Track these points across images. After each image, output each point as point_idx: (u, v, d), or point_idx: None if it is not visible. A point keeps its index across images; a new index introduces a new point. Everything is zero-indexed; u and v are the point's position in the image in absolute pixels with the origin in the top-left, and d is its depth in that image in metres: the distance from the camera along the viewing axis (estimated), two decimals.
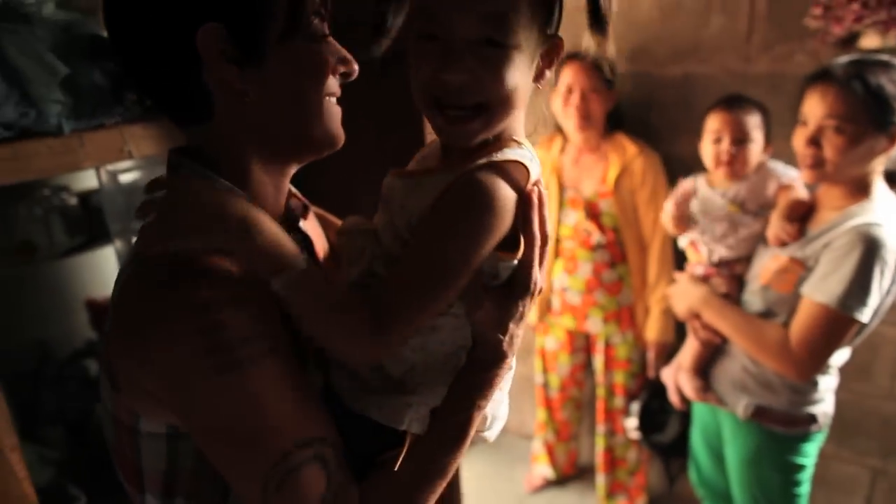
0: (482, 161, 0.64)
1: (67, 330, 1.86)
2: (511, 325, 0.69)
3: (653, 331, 2.15)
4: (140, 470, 0.68)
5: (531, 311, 0.73)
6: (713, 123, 1.64)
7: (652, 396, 2.18)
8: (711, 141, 1.64)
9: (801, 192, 1.51)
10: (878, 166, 1.37)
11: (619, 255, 2.15)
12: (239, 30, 0.64)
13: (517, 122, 0.70)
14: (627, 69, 2.09)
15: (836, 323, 1.34)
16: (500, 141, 0.67)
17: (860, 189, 1.39)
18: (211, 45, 0.63)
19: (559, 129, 2.17)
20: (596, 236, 2.11)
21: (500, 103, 0.64)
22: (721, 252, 1.63)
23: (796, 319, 1.40)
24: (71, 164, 1.24)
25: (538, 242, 0.68)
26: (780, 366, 1.43)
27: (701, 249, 1.68)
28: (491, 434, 0.80)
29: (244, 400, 0.59)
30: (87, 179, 1.76)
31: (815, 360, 1.39)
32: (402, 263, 0.64)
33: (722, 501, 1.79)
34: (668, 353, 2.16)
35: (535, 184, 0.67)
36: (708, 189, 1.68)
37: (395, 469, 0.67)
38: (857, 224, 1.33)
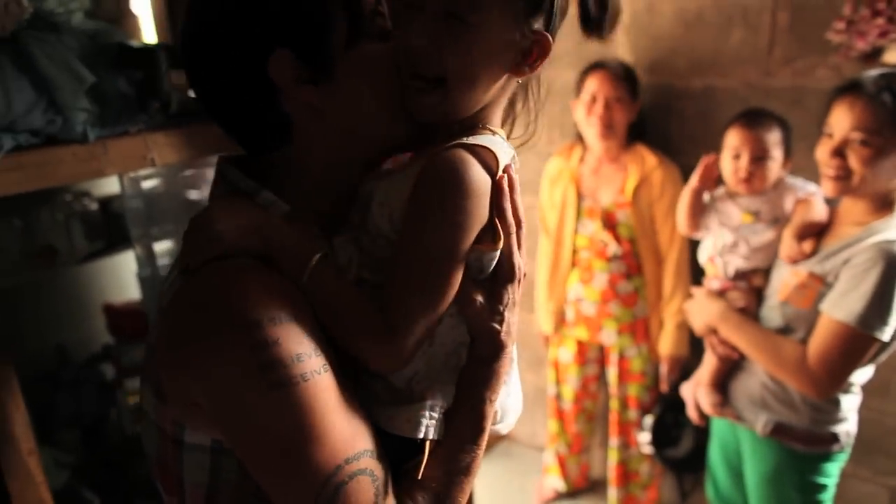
0: (450, 143, 0.66)
1: (85, 334, 1.88)
2: (505, 314, 0.71)
3: (666, 345, 2.13)
4: (182, 482, 0.67)
5: (520, 295, 0.75)
6: (732, 139, 1.62)
7: (666, 410, 2.16)
8: (731, 157, 1.62)
9: (819, 208, 1.50)
10: None
11: (636, 267, 2.14)
12: (305, 50, 0.64)
13: (491, 112, 0.72)
14: (648, 81, 2.08)
15: (856, 341, 1.32)
16: (472, 128, 0.70)
17: (884, 204, 1.37)
18: (284, 72, 0.64)
19: (579, 138, 2.16)
20: (612, 247, 2.10)
21: (457, 78, 0.67)
22: (736, 263, 1.62)
23: (815, 337, 1.38)
24: (95, 171, 1.25)
25: (514, 228, 0.70)
26: (798, 383, 1.41)
27: (717, 262, 1.66)
28: (504, 427, 0.81)
29: (296, 417, 0.58)
30: (109, 185, 1.78)
31: (834, 379, 1.38)
32: (397, 266, 0.65)
33: None
34: (681, 367, 2.14)
35: (506, 169, 0.69)
36: (725, 196, 1.67)
37: (420, 476, 0.67)
38: (879, 241, 1.31)
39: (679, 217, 1.74)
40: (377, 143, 0.73)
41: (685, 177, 2.04)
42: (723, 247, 1.64)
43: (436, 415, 0.68)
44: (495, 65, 0.68)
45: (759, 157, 1.58)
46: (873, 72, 1.34)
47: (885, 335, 1.30)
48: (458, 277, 0.66)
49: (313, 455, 0.59)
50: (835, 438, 1.48)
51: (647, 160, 2.05)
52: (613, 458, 2.35)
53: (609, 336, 2.21)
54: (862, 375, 1.46)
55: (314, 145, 0.70)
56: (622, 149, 2.09)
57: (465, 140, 0.66)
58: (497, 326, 0.70)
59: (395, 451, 0.68)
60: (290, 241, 0.64)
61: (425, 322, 0.65)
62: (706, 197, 1.70)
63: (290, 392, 0.58)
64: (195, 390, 0.61)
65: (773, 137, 1.59)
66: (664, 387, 2.17)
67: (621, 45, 2.13)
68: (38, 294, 1.75)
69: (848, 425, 1.50)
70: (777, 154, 1.59)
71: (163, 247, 1.64)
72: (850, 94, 1.34)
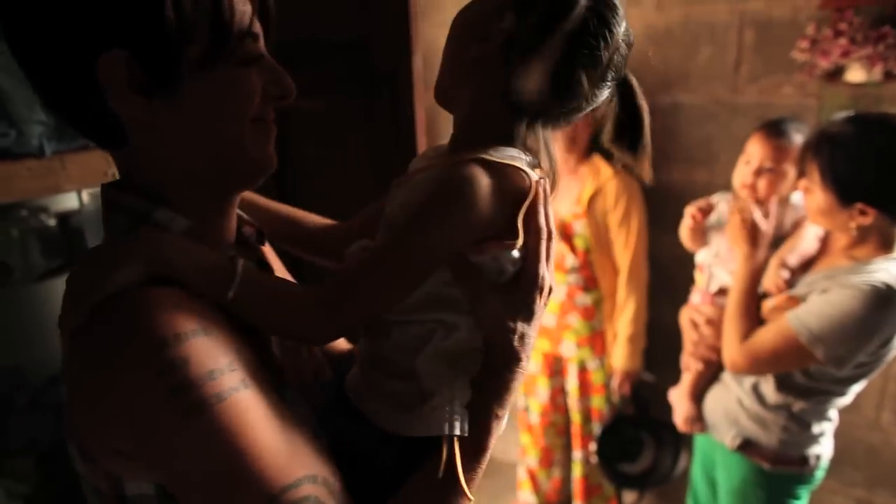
0: (470, 155, 0.63)
1: (42, 356, 1.79)
2: (520, 324, 0.66)
3: (618, 358, 2.13)
4: None
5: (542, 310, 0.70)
6: (750, 146, 1.59)
7: (621, 424, 2.15)
8: (743, 161, 1.61)
9: (809, 237, 1.48)
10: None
11: (593, 279, 2.15)
12: (148, 57, 0.56)
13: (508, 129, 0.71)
14: None
15: (792, 350, 1.32)
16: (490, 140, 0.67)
17: (882, 244, 1.32)
18: (113, 74, 0.56)
19: None
20: (569, 259, 2.11)
21: None
22: (721, 278, 1.61)
23: (764, 327, 1.40)
24: (52, 187, 1.20)
25: (544, 235, 0.66)
26: (726, 349, 1.46)
27: (704, 271, 1.66)
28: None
29: (217, 442, 0.52)
30: (67, 200, 1.71)
31: (752, 366, 1.41)
32: (369, 250, 0.64)
33: None
34: (634, 381, 2.13)
35: (537, 183, 0.66)
36: (728, 207, 1.65)
37: (424, 483, 0.63)
38: (861, 278, 1.27)
39: (682, 235, 1.75)
40: (223, 177, 0.65)
41: (652, 192, 2.06)
42: (716, 255, 1.63)
43: (457, 410, 0.64)
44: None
45: (769, 169, 1.55)
46: (832, 121, 1.34)
47: (826, 359, 1.29)
48: (422, 276, 0.62)
49: (242, 486, 0.53)
50: (804, 461, 1.48)
51: (602, 171, 2.06)
52: (577, 471, 2.34)
53: (568, 348, 2.21)
54: (841, 401, 1.45)
55: (154, 161, 0.62)
56: (580, 161, 2.11)
57: (485, 155, 0.63)
58: (510, 335, 0.65)
59: (405, 460, 0.65)
60: (205, 260, 0.59)
61: (366, 304, 0.61)
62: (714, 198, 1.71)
63: (206, 416, 0.52)
64: (116, 435, 0.54)
65: (791, 152, 1.54)
66: (615, 399, 2.17)
67: None
68: None
69: (819, 449, 1.49)
70: (789, 169, 1.54)
71: None
72: (805, 148, 1.38)
